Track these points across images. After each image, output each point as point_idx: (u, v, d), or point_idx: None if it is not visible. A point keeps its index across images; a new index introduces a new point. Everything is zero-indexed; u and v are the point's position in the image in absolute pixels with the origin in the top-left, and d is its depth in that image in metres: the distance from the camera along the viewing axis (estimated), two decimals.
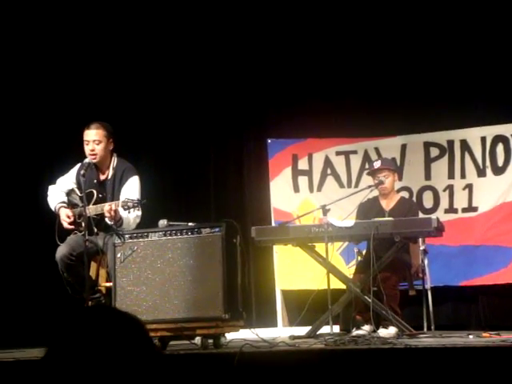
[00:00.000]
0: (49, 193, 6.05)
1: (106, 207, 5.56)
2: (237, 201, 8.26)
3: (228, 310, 5.11)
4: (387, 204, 6.61)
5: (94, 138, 5.84)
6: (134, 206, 5.44)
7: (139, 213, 5.69)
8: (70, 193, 5.99)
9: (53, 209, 5.97)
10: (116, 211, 5.52)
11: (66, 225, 5.83)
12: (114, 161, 5.93)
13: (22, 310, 7.39)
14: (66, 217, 5.85)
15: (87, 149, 5.85)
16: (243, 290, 5.39)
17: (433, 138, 7.74)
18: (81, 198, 5.82)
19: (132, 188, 5.80)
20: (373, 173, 6.70)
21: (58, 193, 6.01)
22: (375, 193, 6.64)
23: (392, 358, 4.34)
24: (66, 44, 7.87)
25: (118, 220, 5.58)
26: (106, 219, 5.62)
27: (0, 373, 4.46)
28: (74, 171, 6.04)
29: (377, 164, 6.68)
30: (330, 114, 7.92)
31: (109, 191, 5.84)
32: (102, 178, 5.94)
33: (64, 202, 5.94)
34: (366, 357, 4.42)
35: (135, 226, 5.74)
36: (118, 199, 5.64)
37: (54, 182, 6.09)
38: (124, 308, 4.95)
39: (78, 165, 6.01)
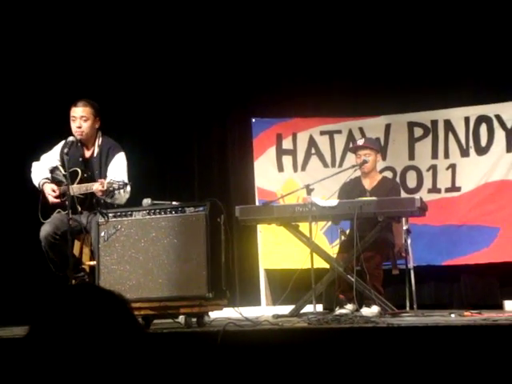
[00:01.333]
0: (32, 169, 6.02)
1: (96, 186, 5.54)
2: (221, 180, 8.26)
3: (212, 289, 5.12)
4: (369, 183, 6.62)
5: (81, 115, 5.82)
6: (119, 188, 5.44)
7: (128, 189, 5.69)
8: (53, 170, 5.97)
9: (36, 185, 5.94)
10: (104, 187, 5.49)
11: (51, 199, 5.80)
12: (99, 138, 5.92)
13: (6, 288, 7.37)
14: (51, 191, 5.82)
15: (73, 125, 5.83)
16: (227, 269, 5.39)
17: (417, 118, 7.75)
18: (64, 175, 5.80)
19: (118, 165, 5.80)
20: (355, 149, 6.70)
21: (42, 169, 5.98)
22: (357, 173, 6.65)
23: (374, 336, 4.36)
24: (54, 22, 7.80)
25: (110, 193, 5.53)
26: (99, 196, 5.59)
27: None
28: (57, 148, 6.02)
29: (360, 141, 6.70)
30: (314, 94, 7.91)
31: (96, 169, 5.84)
32: (87, 155, 5.92)
33: (48, 179, 5.92)
34: (348, 335, 4.44)
35: (125, 200, 5.75)
36: (106, 177, 5.64)
37: (37, 159, 6.06)
38: (108, 287, 4.94)
39: (62, 142, 5.98)
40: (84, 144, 5.91)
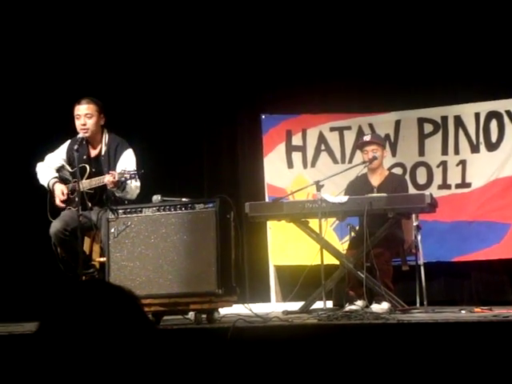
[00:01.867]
0: (37, 170, 6.01)
1: (107, 178, 5.54)
2: (230, 176, 8.26)
3: (221, 285, 5.12)
4: (376, 180, 6.60)
5: (85, 112, 5.82)
6: (131, 178, 5.44)
7: (138, 183, 5.70)
8: (60, 169, 5.97)
9: (45, 185, 5.94)
10: (116, 178, 5.50)
11: (57, 201, 5.82)
12: (106, 136, 5.92)
13: (17, 284, 7.40)
14: (60, 193, 5.83)
15: (78, 123, 5.83)
16: (237, 266, 5.40)
17: (427, 114, 7.73)
18: (72, 173, 5.81)
19: (128, 161, 5.79)
20: (362, 146, 6.68)
21: (48, 169, 5.97)
22: (364, 170, 6.63)
23: (384, 333, 4.36)
24: (58, 21, 7.80)
25: (122, 184, 5.54)
26: (110, 188, 5.59)
27: None
28: (63, 148, 6.02)
29: (367, 137, 6.67)
30: (324, 90, 7.90)
31: (105, 167, 5.82)
32: (94, 153, 5.91)
33: (57, 178, 5.92)
34: (358, 332, 4.44)
35: (136, 196, 5.75)
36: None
37: (42, 159, 6.05)
38: (118, 283, 4.95)
39: (68, 141, 5.99)
40: (90, 142, 5.91)
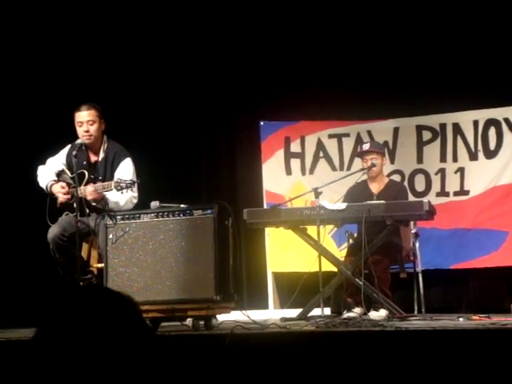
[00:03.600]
0: (38, 173, 6.02)
1: (89, 189, 5.56)
2: (229, 183, 8.26)
3: (219, 292, 5.12)
4: (376, 187, 6.61)
5: (87, 119, 5.82)
6: (127, 187, 5.44)
7: (135, 194, 5.69)
8: (60, 173, 5.97)
9: (44, 187, 5.94)
10: (98, 193, 5.52)
11: (61, 196, 5.78)
12: (105, 143, 5.92)
13: (14, 290, 7.39)
14: (60, 188, 5.80)
15: (81, 130, 5.82)
16: (235, 272, 5.40)
17: (425, 122, 7.74)
18: (72, 178, 5.81)
19: (126, 171, 5.78)
20: (361, 154, 6.69)
21: (48, 172, 5.98)
22: (364, 177, 6.64)
23: (382, 340, 4.36)
24: (59, 26, 7.81)
25: (100, 200, 5.57)
26: (90, 200, 5.61)
27: None
28: (63, 152, 6.02)
29: (366, 146, 6.69)
30: (322, 97, 7.90)
31: (101, 173, 5.82)
32: (93, 159, 5.91)
33: (55, 180, 5.91)
34: (356, 339, 4.44)
35: (132, 206, 5.74)
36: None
37: (43, 163, 6.06)
38: (115, 289, 4.95)
39: (68, 146, 5.99)
40: (90, 148, 5.90)
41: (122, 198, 5.62)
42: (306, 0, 7.87)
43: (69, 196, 5.77)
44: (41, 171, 6.01)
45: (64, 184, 5.83)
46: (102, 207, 5.61)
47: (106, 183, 5.60)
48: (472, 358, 3.96)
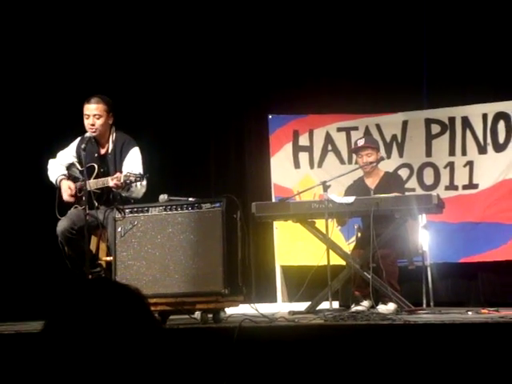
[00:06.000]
0: (49, 166, 6.05)
1: (112, 183, 5.56)
2: (237, 176, 8.26)
3: (228, 285, 5.12)
4: (372, 182, 6.60)
5: (94, 113, 5.83)
6: (136, 181, 5.45)
7: (144, 183, 5.71)
8: (70, 167, 5.99)
9: (54, 182, 5.96)
10: (121, 180, 5.52)
11: (65, 196, 5.82)
12: (113, 134, 5.92)
13: (23, 283, 7.41)
14: (67, 188, 5.84)
15: (87, 123, 5.84)
16: (243, 266, 5.39)
17: (434, 115, 7.72)
18: (81, 171, 5.82)
19: (134, 160, 5.80)
20: (356, 150, 6.69)
21: (59, 166, 6.00)
22: (360, 173, 6.64)
23: (391, 334, 4.35)
24: (68, 20, 7.82)
25: (125, 186, 5.55)
26: (114, 190, 5.62)
27: (1, 345, 4.48)
28: (74, 145, 6.04)
29: (361, 142, 6.67)
30: (331, 90, 7.89)
31: (111, 165, 5.84)
32: (103, 151, 5.93)
33: (65, 175, 5.94)
34: (364, 333, 4.43)
35: (142, 195, 5.76)
36: (121, 172, 5.65)
37: (53, 156, 6.08)
38: (124, 282, 4.96)
39: (78, 138, 6.00)
40: (98, 141, 5.92)
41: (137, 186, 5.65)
42: None
43: (73, 199, 5.80)
44: (51, 165, 6.04)
45: (72, 185, 5.85)
46: (125, 194, 5.62)
47: (116, 175, 5.61)
48: (481, 351, 3.96)
